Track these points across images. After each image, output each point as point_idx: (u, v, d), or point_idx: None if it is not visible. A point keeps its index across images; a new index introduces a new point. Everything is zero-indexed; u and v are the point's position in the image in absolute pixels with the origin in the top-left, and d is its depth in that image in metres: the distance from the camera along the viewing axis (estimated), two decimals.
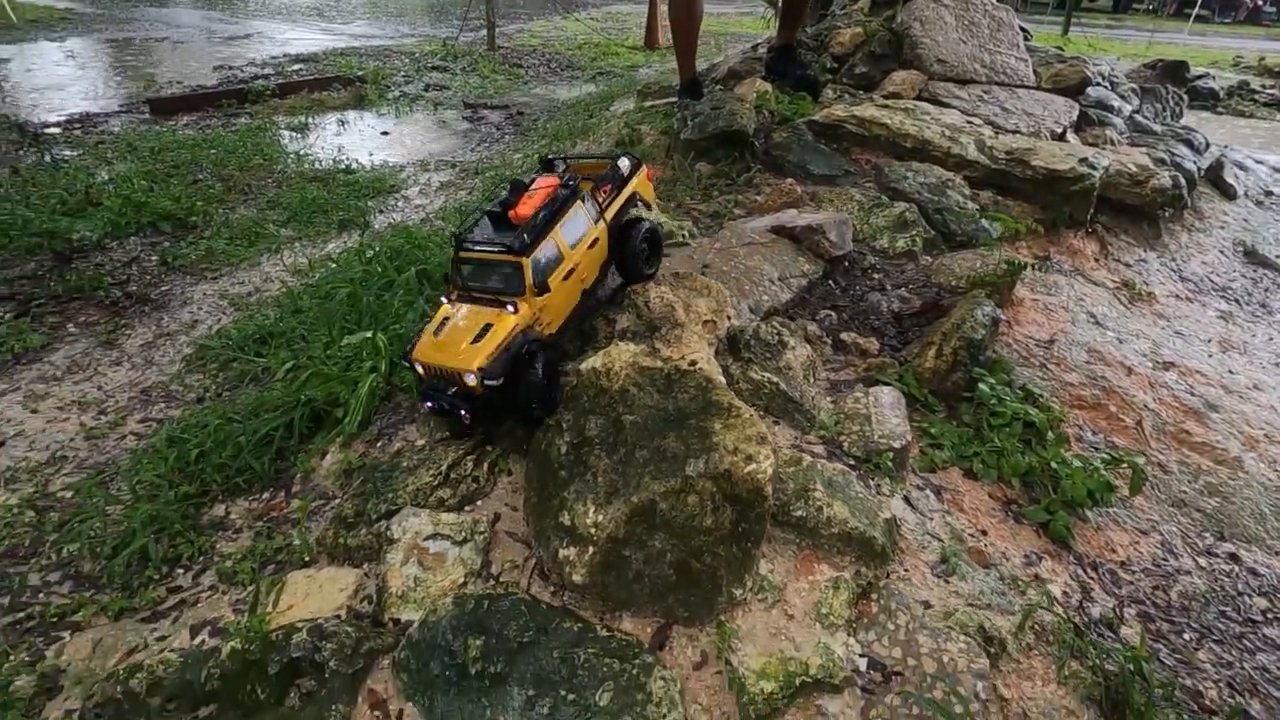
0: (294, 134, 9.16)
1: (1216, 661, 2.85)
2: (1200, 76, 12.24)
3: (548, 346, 2.65)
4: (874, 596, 2.38)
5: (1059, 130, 5.90)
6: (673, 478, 2.19)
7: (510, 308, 2.55)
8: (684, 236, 4.26)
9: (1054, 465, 3.26)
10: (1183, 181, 5.62)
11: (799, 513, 2.47)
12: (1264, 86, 12.64)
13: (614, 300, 3.22)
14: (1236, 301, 5.23)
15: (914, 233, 4.47)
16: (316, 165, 7.89)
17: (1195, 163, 6.23)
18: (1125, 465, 3.37)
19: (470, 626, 2.09)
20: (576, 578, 2.16)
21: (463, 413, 2.57)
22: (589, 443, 2.38)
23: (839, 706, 2.05)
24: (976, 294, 3.77)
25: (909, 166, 5.01)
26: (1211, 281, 5.36)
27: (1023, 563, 2.93)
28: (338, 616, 2.24)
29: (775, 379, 3.05)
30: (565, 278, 2.73)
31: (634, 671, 2.00)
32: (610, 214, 3.01)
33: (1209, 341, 4.61)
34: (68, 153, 8.02)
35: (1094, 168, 4.95)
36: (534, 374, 2.51)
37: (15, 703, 2.33)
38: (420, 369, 2.62)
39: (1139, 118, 7.01)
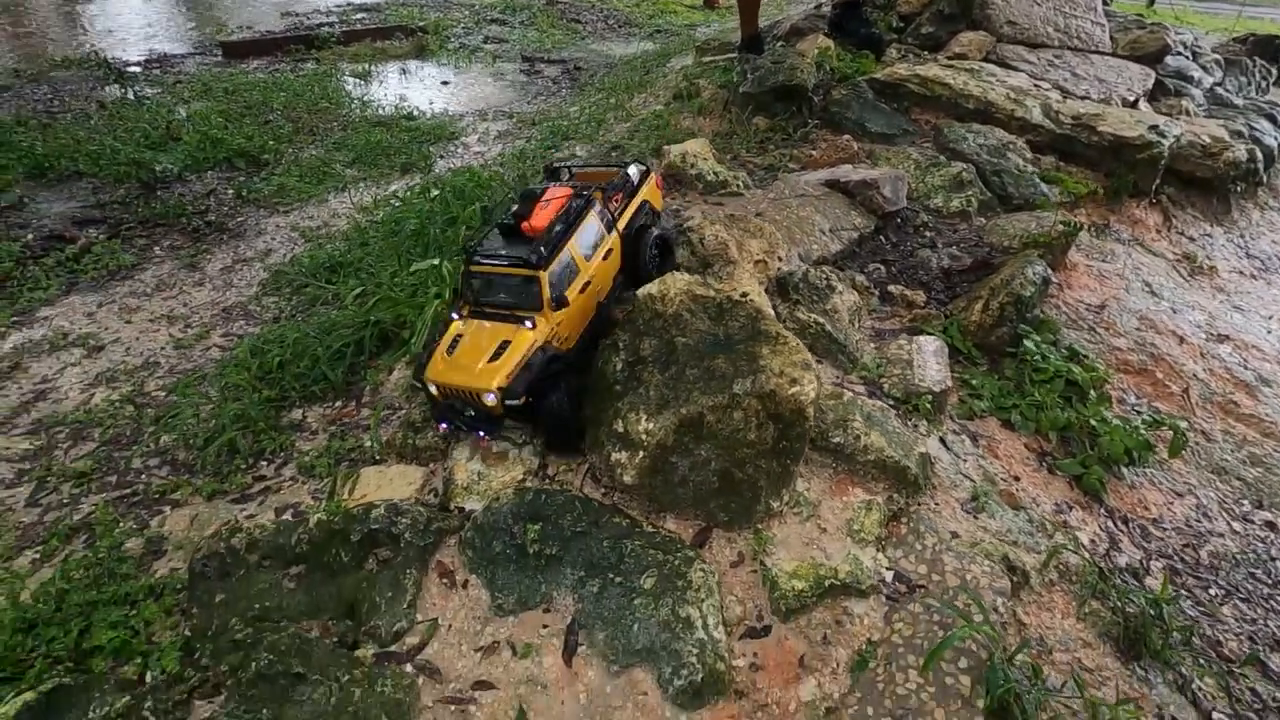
0: (358, 80, 9.39)
1: (1240, 617, 2.92)
2: None
3: (570, 365, 2.54)
4: (904, 520, 2.52)
5: (1131, 98, 5.73)
6: (720, 394, 2.35)
7: (528, 323, 2.43)
8: (738, 186, 4.34)
9: (1093, 423, 3.31)
10: (1259, 156, 5.42)
11: (837, 439, 2.61)
12: None
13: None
14: None
15: (969, 193, 4.46)
16: (380, 111, 8.12)
17: (1277, 138, 5.98)
18: (1167, 428, 3.40)
19: (529, 514, 2.31)
20: (627, 478, 2.35)
21: (481, 434, 2.52)
22: (643, 361, 2.55)
23: (864, 609, 2.21)
24: (1029, 253, 3.78)
25: (969, 128, 4.96)
26: (1279, 259, 5.21)
27: (1052, 510, 3.02)
28: (410, 501, 2.49)
29: (821, 320, 3.16)
30: (581, 290, 2.63)
31: (676, 562, 2.20)
32: (623, 223, 2.91)
33: (1270, 319, 4.52)
34: (148, 90, 8.41)
35: (1163, 136, 4.83)
36: (559, 396, 2.42)
37: (127, 559, 2.66)
38: (434, 389, 2.50)
39: (1220, 90, 6.71)
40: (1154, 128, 4.85)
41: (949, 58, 5.84)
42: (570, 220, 2.62)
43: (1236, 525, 3.32)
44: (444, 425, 2.60)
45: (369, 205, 5.77)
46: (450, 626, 2.12)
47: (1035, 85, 5.43)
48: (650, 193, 3.13)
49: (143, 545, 2.77)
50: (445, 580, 2.21)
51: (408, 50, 10.93)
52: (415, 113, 8.14)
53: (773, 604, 2.18)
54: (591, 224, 2.71)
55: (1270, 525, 3.35)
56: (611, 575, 2.16)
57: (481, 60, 10.88)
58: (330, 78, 9.28)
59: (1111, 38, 6.39)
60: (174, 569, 2.62)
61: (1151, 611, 2.63)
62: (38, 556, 2.83)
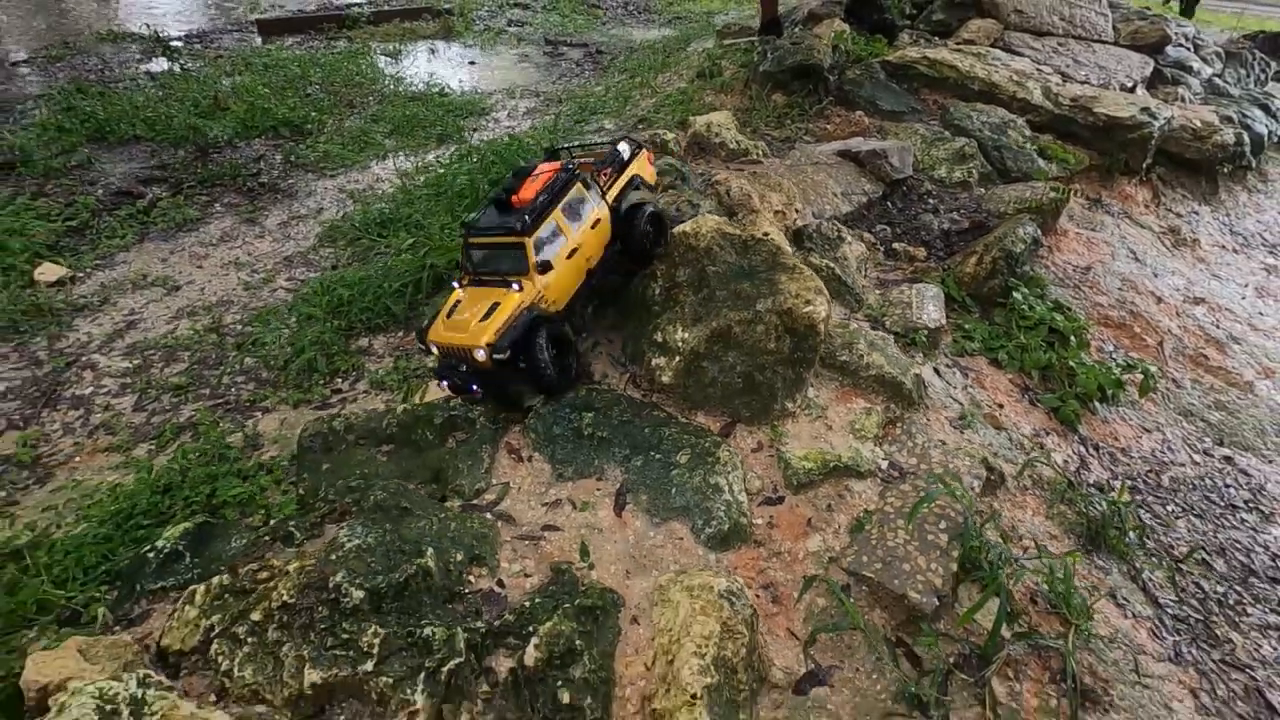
0: (388, 59, 9.86)
1: (1192, 529, 3.37)
2: None
3: (552, 321, 2.79)
4: (898, 425, 2.99)
5: (1130, 84, 6.14)
6: (746, 311, 2.82)
7: (515, 286, 2.72)
8: (758, 155, 4.79)
9: (1072, 364, 3.76)
10: (1247, 140, 5.83)
11: (843, 358, 3.08)
12: None
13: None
14: None
15: (971, 165, 4.90)
16: (412, 87, 8.59)
17: (1267, 126, 6.38)
18: (1138, 372, 3.84)
19: (582, 405, 2.79)
20: (665, 379, 2.82)
21: (474, 387, 2.76)
22: (678, 285, 3.02)
23: (862, 487, 2.68)
24: (1021, 216, 4.23)
25: (973, 107, 5.40)
26: (1263, 238, 5.62)
27: (1031, 433, 3.48)
28: None
29: (832, 264, 3.62)
30: (568, 256, 2.89)
31: (706, 444, 2.67)
32: (612, 195, 3.16)
33: (1245, 287, 4.95)
34: (190, 64, 8.90)
35: (1154, 117, 5.25)
36: (538, 347, 2.67)
37: (231, 449, 3.15)
38: (435, 350, 2.79)
39: (1219, 81, 7.11)
40: (1145, 110, 5.27)
41: (958, 43, 6.26)
42: (555, 192, 2.88)
43: (1197, 458, 3.77)
44: (444, 383, 2.87)
45: (410, 171, 6.24)
46: (520, 488, 2.59)
47: (1038, 69, 5.86)
48: (641, 167, 3.38)
49: (243, 439, 3.26)
50: (513, 455, 2.69)
51: (435, 31, 11.38)
52: (446, 89, 8.60)
53: (786, 480, 2.65)
54: (578, 195, 2.97)
55: (1228, 459, 3.79)
56: (653, 453, 2.63)
57: (506, 42, 11.32)
58: (363, 55, 9.74)
59: (1114, 28, 6.79)
60: (272, 456, 3.11)
61: (1111, 513, 3.09)
62: (153, 448, 3.33)
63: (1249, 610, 3.10)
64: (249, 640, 1.88)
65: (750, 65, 6.14)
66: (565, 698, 1.85)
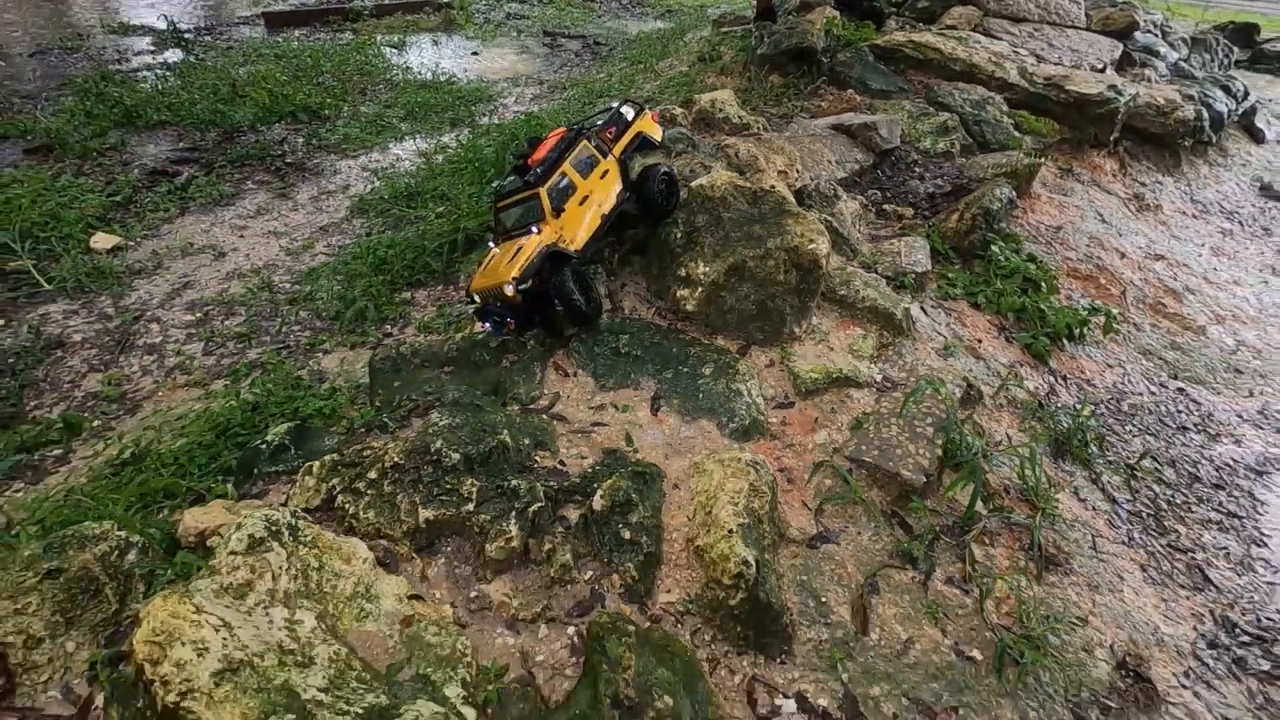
0: (393, 50, 10.28)
1: (1146, 445, 3.89)
2: (1270, 40, 12.51)
3: (571, 258, 3.19)
4: (890, 348, 3.48)
5: (1100, 66, 6.69)
6: (758, 248, 3.30)
7: (535, 229, 3.20)
8: (758, 129, 5.28)
9: (1043, 307, 4.28)
10: (1206, 117, 6.39)
11: (842, 293, 3.57)
12: None
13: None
14: (1240, 224, 6.06)
15: (953, 137, 5.42)
16: (420, 76, 9.02)
17: (1227, 105, 6.95)
18: (1102, 314, 4.36)
19: (617, 330, 3.26)
20: (688, 307, 3.30)
21: (508, 320, 3.17)
22: (697, 229, 3.49)
23: (859, 395, 3.16)
24: (998, 179, 4.74)
25: (955, 86, 5.92)
26: (1220, 206, 6.18)
27: (1006, 364, 3.98)
28: None
29: (830, 218, 4.11)
30: (581, 202, 3.38)
31: (727, 360, 3.15)
32: (618, 150, 3.64)
33: (1202, 246, 5.50)
34: (204, 55, 9.28)
35: (1120, 94, 5.79)
36: (563, 279, 3.08)
37: (303, 380, 3.58)
38: (477, 298, 3.26)
39: (1184, 65, 7.69)
40: (1112, 87, 5.81)
41: (941, 28, 6.79)
42: (563, 149, 3.39)
43: (1154, 389, 4.29)
44: (484, 324, 3.29)
45: (429, 151, 6.68)
46: (568, 397, 3.05)
47: (1015, 52, 6.40)
48: (645, 125, 3.83)
49: (308, 373, 3.70)
50: (560, 372, 3.16)
51: (437, 23, 11.80)
52: (454, 78, 9.04)
53: (795, 388, 3.14)
54: (584, 151, 3.46)
55: (1181, 390, 4.32)
56: (681, 367, 3.11)
57: (506, 34, 11.77)
58: (368, 46, 10.15)
59: (1086, 14, 7.35)
60: (339, 387, 3.55)
61: (1076, 427, 3.60)
62: (227, 383, 3.75)
63: (1194, 509, 3.61)
64: (368, 493, 2.33)
65: (748, 49, 6.63)
66: (626, 535, 2.32)
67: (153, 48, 9.48)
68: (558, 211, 3.26)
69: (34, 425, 3.54)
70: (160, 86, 7.69)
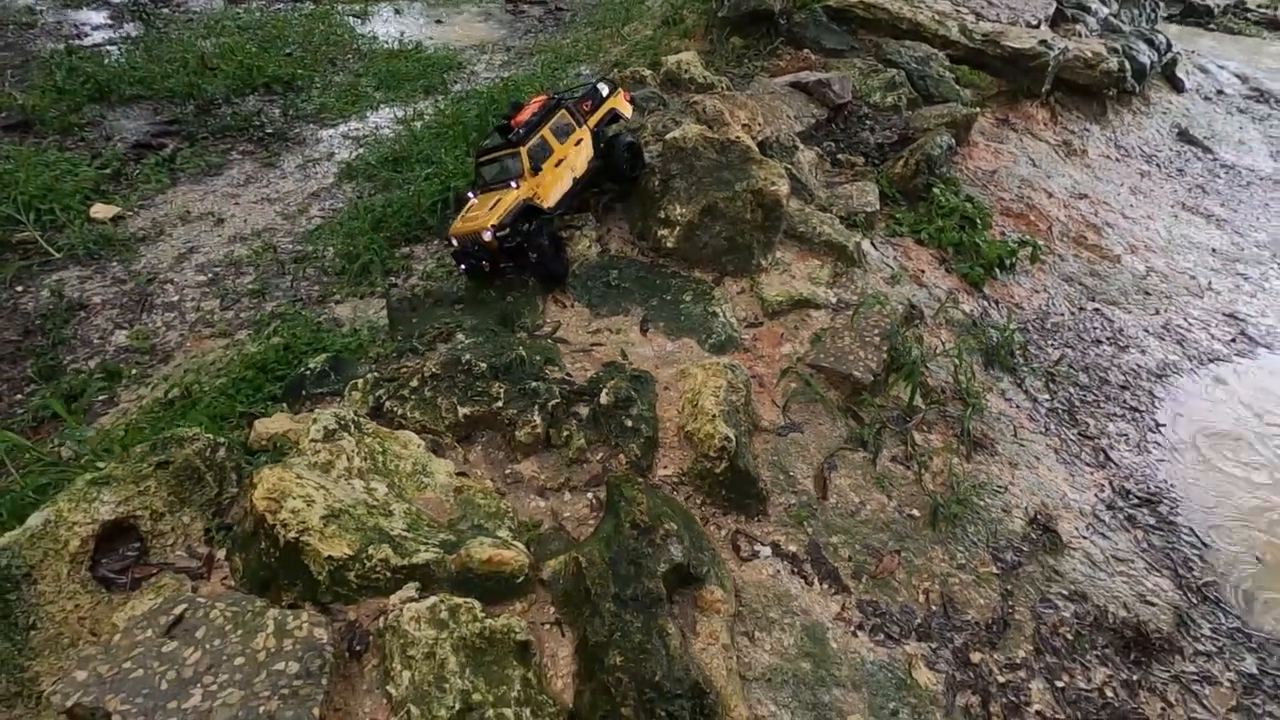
0: (356, 19, 10.40)
1: (1063, 354, 4.54)
2: None
3: (540, 213, 3.61)
4: (844, 276, 4.05)
5: (1034, 22, 7.28)
6: (727, 190, 3.81)
7: (513, 184, 3.64)
8: (722, 88, 5.75)
9: (978, 241, 4.88)
10: (1129, 69, 7.04)
11: (801, 230, 4.11)
12: (1258, 6, 13.70)
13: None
14: (1158, 166, 6.76)
15: (900, 92, 5.96)
16: (387, 45, 9.22)
17: (1150, 57, 7.61)
18: (1029, 246, 4.99)
19: (607, 266, 3.77)
20: (668, 244, 3.81)
21: (483, 263, 3.60)
22: (672, 176, 3.99)
23: (818, 314, 3.73)
24: (940, 129, 5.31)
25: (902, 44, 6.45)
26: (1141, 150, 6.88)
27: (946, 290, 4.59)
28: None
29: (789, 167, 4.63)
30: (556, 165, 3.81)
31: (704, 288, 3.68)
32: (592, 122, 4.10)
33: (1122, 186, 6.18)
34: (164, 27, 9.32)
35: (1050, 48, 6.39)
36: (540, 236, 3.49)
37: (323, 325, 4.01)
38: (455, 242, 3.69)
39: (1114, 19, 8.33)
40: (1043, 42, 6.40)
41: None
42: (543, 115, 3.84)
43: (1074, 310, 4.95)
44: (462, 266, 3.75)
45: (408, 118, 6.99)
46: (568, 325, 3.55)
47: (956, 10, 6.94)
48: (618, 102, 4.34)
49: (324, 320, 4.12)
50: (559, 304, 3.65)
51: None
52: (421, 46, 9.26)
53: (763, 310, 3.69)
54: (562, 119, 3.92)
55: (1097, 310, 4.99)
56: (664, 295, 3.63)
57: (468, 1, 11.91)
58: (330, 16, 10.25)
59: None
60: (357, 329, 3.98)
61: (1003, 340, 4.22)
62: (251, 332, 4.16)
63: (1102, 405, 4.29)
64: (412, 398, 2.81)
65: (709, 13, 7.05)
66: (628, 424, 2.85)
67: (110, 21, 9.48)
68: (536, 170, 3.69)
69: (75, 376, 3.91)
70: (128, 61, 7.80)
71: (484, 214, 3.55)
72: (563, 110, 3.95)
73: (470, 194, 3.89)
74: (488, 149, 3.87)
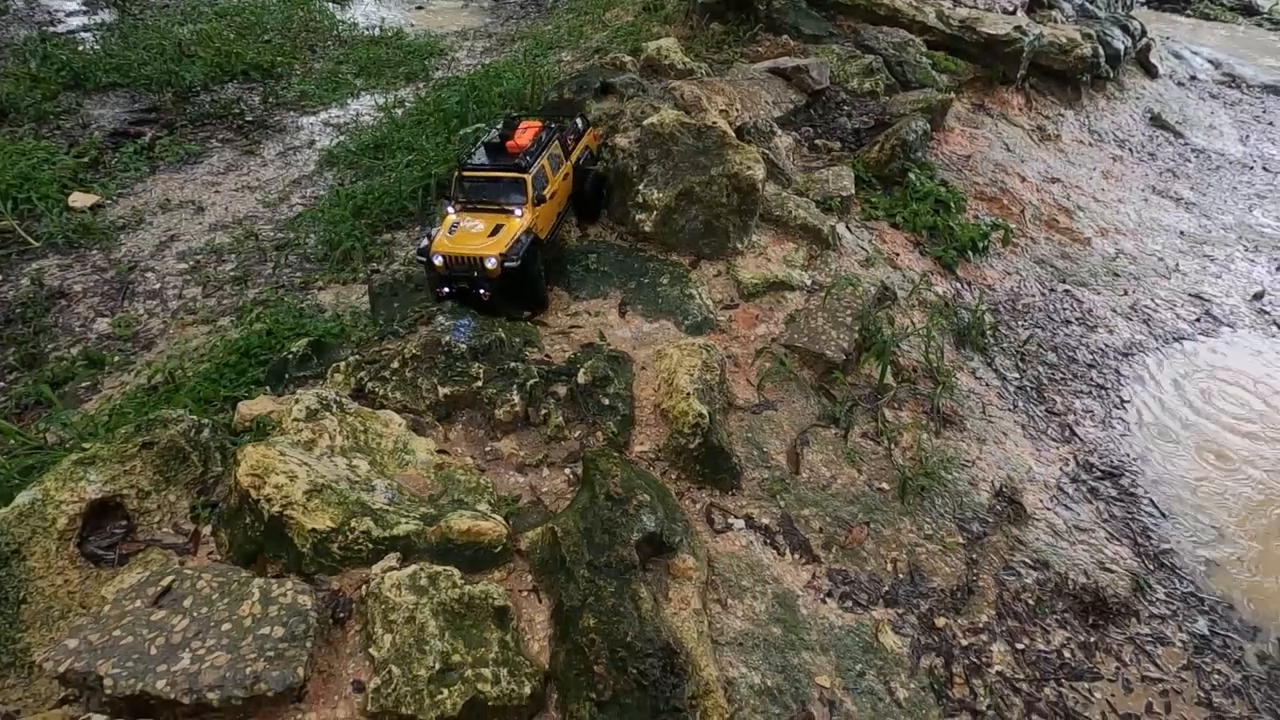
0: (336, 5, 10.33)
1: (1034, 334, 4.67)
2: None
3: (544, 245, 3.55)
4: (819, 259, 4.15)
5: (1011, 9, 7.38)
6: (703, 175, 3.89)
7: (517, 212, 3.46)
8: (702, 74, 5.81)
9: (952, 225, 4.99)
10: (1103, 54, 7.16)
11: (778, 213, 4.20)
12: None
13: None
14: (1130, 150, 6.90)
15: (878, 77, 6.04)
16: (367, 31, 9.17)
17: (1124, 43, 7.73)
18: (1002, 230, 5.11)
19: (587, 251, 3.84)
20: (646, 229, 3.89)
21: (482, 291, 3.37)
22: (649, 161, 4.06)
23: (793, 296, 3.83)
24: (915, 114, 5.40)
25: (880, 30, 6.52)
26: (1114, 135, 7.01)
27: (920, 273, 4.70)
28: None
29: (767, 151, 4.70)
30: (550, 196, 3.70)
31: (681, 271, 3.77)
32: (573, 156, 4.03)
33: (1094, 170, 6.31)
34: (139, 14, 9.22)
35: (1025, 34, 6.49)
36: (535, 266, 3.41)
37: (306, 310, 4.05)
38: (439, 260, 3.39)
39: (1089, 5, 8.44)
40: (1018, 28, 6.50)
41: None
42: (544, 142, 3.72)
43: (1045, 292, 5.08)
44: (445, 290, 3.49)
45: (387, 105, 7.00)
46: (548, 308, 3.62)
47: None
48: (590, 140, 4.30)
49: (308, 305, 4.17)
50: None
51: None
52: (402, 33, 9.22)
53: (739, 292, 3.78)
54: (555, 150, 3.83)
55: (1067, 292, 5.12)
56: (642, 279, 3.71)
57: None
58: (310, 2, 10.17)
59: None
60: (339, 314, 4.03)
61: (974, 320, 4.34)
62: (234, 319, 4.19)
63: (1069, 383, 4.43)
64: (393, 378, 2.88)
65: None
66: (605, 402, 2.93)
67: (85, 8, 9.36)
68: (539, 200, 3.53)
69: (58, 363, 3.94)
70: (104, 48, 7.73)
71: (482, 240, 3.34)
72: (555, 141, 3.84)
73: (449, 208, 3.63)
74: (476, 165, 3.61)
